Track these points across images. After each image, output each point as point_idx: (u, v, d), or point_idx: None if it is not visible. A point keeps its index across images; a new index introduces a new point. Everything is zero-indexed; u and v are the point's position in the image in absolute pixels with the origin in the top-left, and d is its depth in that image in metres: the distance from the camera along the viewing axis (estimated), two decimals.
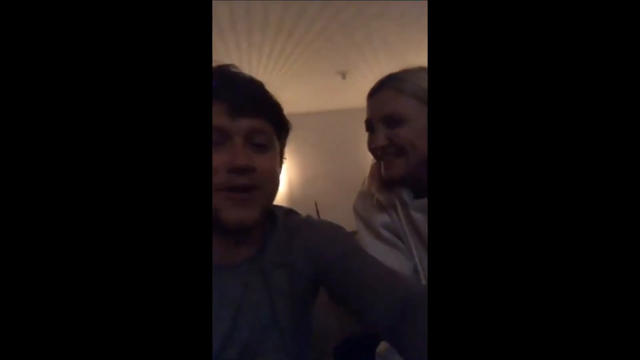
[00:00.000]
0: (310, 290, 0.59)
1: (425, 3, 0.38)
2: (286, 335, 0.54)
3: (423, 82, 0.69)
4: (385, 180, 0.73)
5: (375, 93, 0.73)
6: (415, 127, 0.68)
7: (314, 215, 2.84)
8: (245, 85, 0.53)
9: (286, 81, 2.99)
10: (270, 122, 0.53)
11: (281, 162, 0.58)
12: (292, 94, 3.30)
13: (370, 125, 0.74)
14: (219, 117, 0.48)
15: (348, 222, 0.79)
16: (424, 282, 0.71)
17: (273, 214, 0.61)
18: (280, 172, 0.57)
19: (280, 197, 3.24)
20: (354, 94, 3.08)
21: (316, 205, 3.22)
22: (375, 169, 0.77)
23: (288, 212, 0.64)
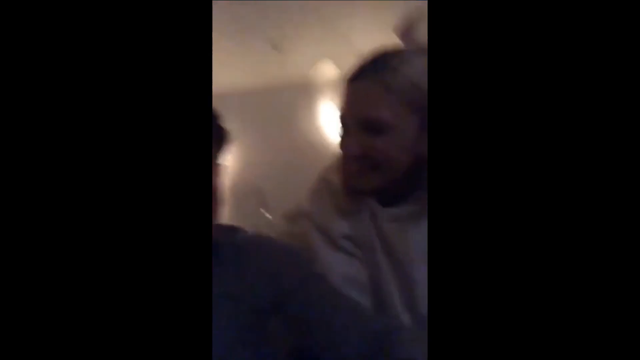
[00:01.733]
0: (261, 324, 0.54)
1: None
2: None
3: (416, 74, 0.54)
4: (352, 190, 0.61)
5: (356, 81, 0.57)
6: (398, 139, 0.55)
7: (262, 208, 2.72)
8: None
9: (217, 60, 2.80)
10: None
11: (221, 171, 0.54)
12: (226, 72, 3.13)
13: (343, 124, 0.59)
14: None
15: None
16: (386, 292, 0.60)
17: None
18: (222, 183, 0.53)
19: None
20: (292, 69, 2.99)
21: (262, 195, 3.02)
22: (343, 170, 0.61)
23: (232, 231, 0.59)
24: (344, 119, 0.59)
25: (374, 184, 0.58)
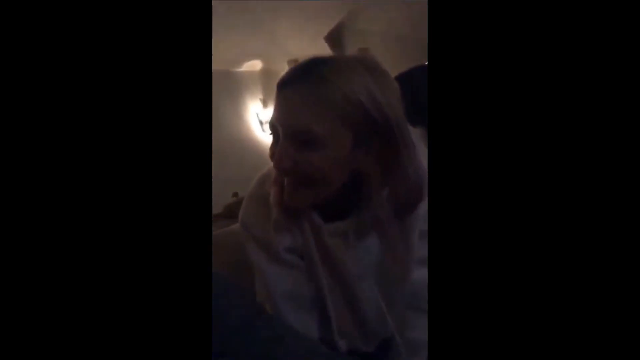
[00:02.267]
0: None
1: None
2: None
3: (349, 86, 0.48)
4: (286, 205, 0.55)
5: (288, 86, 0.50)
6: (331, 154, 0.49)
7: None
8: None
9: None
10: None
11: None
12: None
13: (274, 132, 0.53)
14: None
15: None
16: (330, 308, 0.57)
17: None
18: None
19: None
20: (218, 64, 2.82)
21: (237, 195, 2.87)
22: (278, 182, 0.56)
23: None
24: (274, 127, 0.53)
25: (307, 200, 0.53)
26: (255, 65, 3.39)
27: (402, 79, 0.72)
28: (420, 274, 0.55)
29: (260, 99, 3.44)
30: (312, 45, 2.72)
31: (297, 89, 0.50)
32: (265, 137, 3.32)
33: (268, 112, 3.21)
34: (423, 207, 0.55)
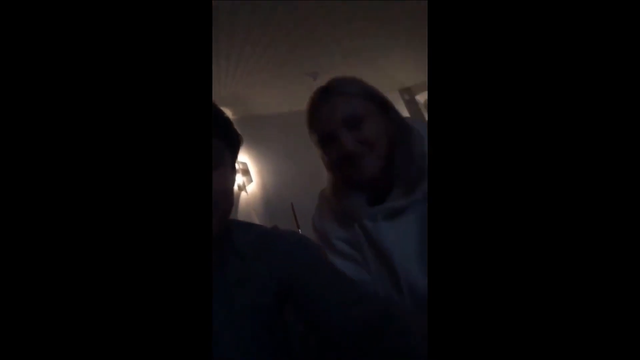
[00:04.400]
0: (275, 306, 0.57)
1: (391, 4, 0.38)
2: (251, 351, 0.52)
3: (359, 85, 0.73)
4: (358, 183, 0.72)
5: (321, 104, 0.73)
6: (374, 126, 0.71)
7: (291, 218, 2.82)
8: None
9: (257, 85, 2.97)
10: (220, 139, 0.53)
11: (234, 172, 0.58)
12: (263, 98, 3.29)
13: (330, 136, 0.72)
14: None
15: None
16: (377, 283, 0.69)
17: (228, 229, 0.60)
18: (233, 185, 0.57)
19: (257, 201, 3.19)
20: None
21: (292, 207, 3.21)
22: (336, 179, 0.77)
23: (246, 226, 0.64)
24: (327, 134, 0.72)
25: (375, 168, 0.69)
26: None
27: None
28: None
29: None
30: (421, 72, 3.34)
31: (334, 98, 0.72)
32: None
33: None
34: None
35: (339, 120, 0.70)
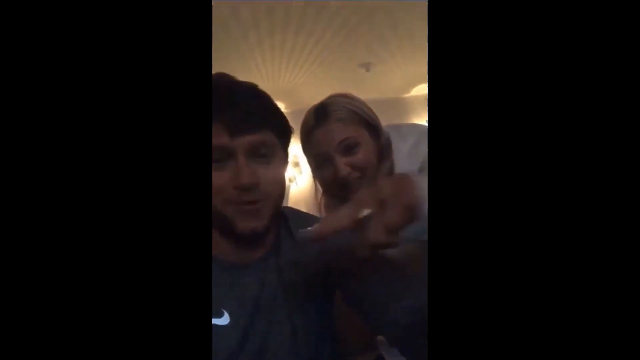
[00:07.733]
0: (325, 290, 0.60)
1: None
2: (299, 331, 0.55)
3: (358, 107, 0.80)
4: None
5: (319, 127, 0.78)
6: (368, 151, 0.78)
7: None
8: (243, 98, 0.52)
9: (309, 77, 3.00)
10: (272, 131, 0.54)
11: (285, 165, 0.60)
12: (317, 90, 3.32)
13: (324, 158, 0.78)
14: (219, 137, 0.49)
15: None
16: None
17: (284, 215, 0.63)
18: (284, 176, 0.58)
19: (307, 193, 3.26)
20: (379, 86, 3.07)
21: None
22: (328, 196, 0.86)
23: (300, 213, 0.66)
24: (321, 156, 0.79)
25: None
26: (422, 89, 3.58)
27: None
28: None
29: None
30: None
31: (330, 123, 0.79)
32: None
33: None
34: None
35: (334, 144, 0.77)
